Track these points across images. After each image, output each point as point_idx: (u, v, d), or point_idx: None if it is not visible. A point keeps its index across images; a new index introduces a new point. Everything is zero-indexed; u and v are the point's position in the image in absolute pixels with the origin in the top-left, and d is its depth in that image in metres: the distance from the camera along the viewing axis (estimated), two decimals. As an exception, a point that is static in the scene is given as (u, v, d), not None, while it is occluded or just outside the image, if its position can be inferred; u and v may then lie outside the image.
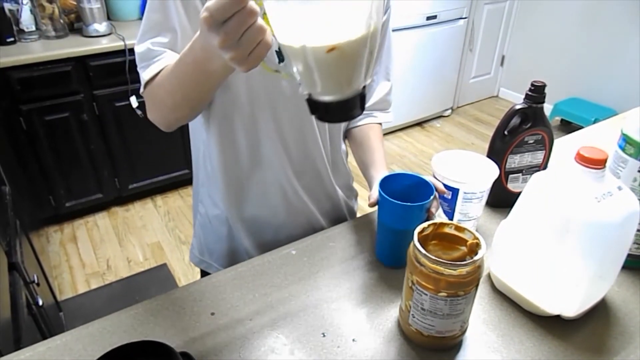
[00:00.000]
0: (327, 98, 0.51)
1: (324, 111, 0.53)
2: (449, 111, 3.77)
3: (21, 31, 2.20)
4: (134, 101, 2.24)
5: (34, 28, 2.22)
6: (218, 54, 0.47)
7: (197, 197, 0.96)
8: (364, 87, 0.53)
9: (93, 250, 2.33)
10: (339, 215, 1.01)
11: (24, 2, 2.18)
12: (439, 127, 3.60)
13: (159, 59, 0.70)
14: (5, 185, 1.60)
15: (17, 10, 2.18)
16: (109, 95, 2.24)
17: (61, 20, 2.27)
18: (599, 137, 1.24)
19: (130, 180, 2.54)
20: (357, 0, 0.46)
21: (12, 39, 2.14)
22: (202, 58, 0.56)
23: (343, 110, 0.53)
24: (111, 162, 2.44)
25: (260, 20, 0.45)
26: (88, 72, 2.17)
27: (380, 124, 0.97)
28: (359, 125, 0.95)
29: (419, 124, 3.60)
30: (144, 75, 0.71)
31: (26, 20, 2.19)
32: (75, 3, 2.34)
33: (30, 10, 2.19)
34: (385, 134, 3.41)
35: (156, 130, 0.78)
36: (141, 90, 0.74)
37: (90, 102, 2.24)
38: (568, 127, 3.38)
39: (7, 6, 2.14)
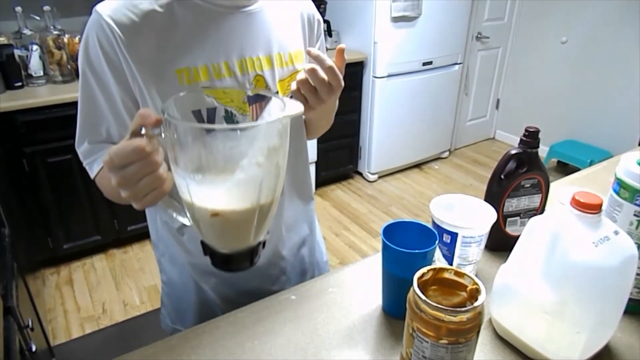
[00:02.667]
0: (216, 248, 0.53)
1: (213, 258, 0.54)
2: (447, 153, 3.81)
3: (29, 76, 2.27)
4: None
5: (41, 73, 2.29)
6: None
7: (159, 268, 0.97)
8: (259, 243, 0.53)
9: (89, 293, 2.30)
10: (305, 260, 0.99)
11: (34, 48, 2.25)
12: (437, 169, 3.63)
13: (99, 155, 0.75)
14: (4, 227, 1.60)
15: (27, 56, 2.25)
16: (112, 137, 2.27)
17: (69, 66, 2.34)
18: (595, 179, 1.25)
19: (129, 222, 2.54)
20: (239, 188, 0.47)
21: (20, 84, 2.20)
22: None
23: (229, 262, 0.54)
24: (111, 204, 2.40)
25: (160, 171, 0.47)
26: (92, 115, 2.21)
27: None
28: None
29: (417, 165, 3.63)
30: (90, 173, 0.77)
31: (35, 65, 2.26)
32: (83, 50, 2.42)
33: (40, 56, 2.27)
34: (383, 176, 3.44)
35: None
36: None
37: (93, 144, 2.27)
38: (565, 168, 3.42)
39: (17, 52, 2.22)
